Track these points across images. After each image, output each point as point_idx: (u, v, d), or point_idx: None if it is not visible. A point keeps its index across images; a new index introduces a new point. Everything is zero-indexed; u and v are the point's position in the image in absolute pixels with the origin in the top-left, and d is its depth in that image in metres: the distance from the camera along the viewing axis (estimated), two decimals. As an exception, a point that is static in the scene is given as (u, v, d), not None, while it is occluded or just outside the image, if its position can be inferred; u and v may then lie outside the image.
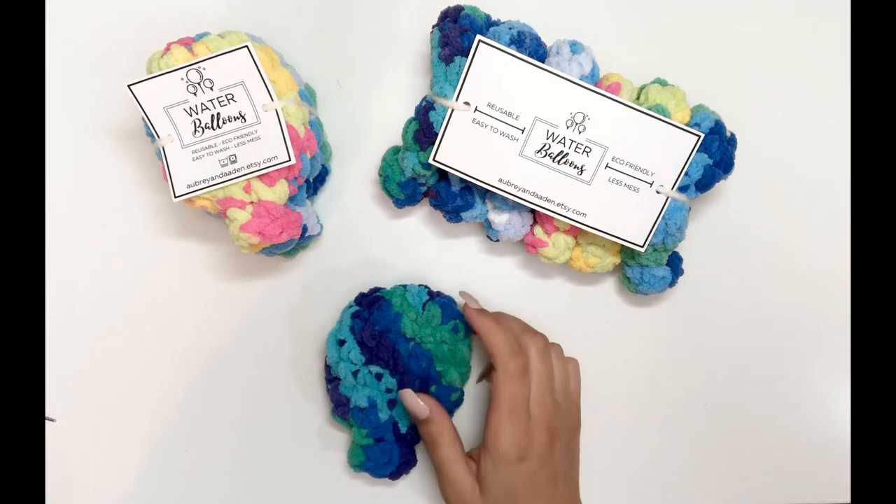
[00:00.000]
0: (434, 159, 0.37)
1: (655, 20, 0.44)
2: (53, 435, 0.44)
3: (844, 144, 0.44)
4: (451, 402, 0.42)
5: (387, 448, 0.41)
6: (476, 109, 0.36)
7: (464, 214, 0.40)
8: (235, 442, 0.44)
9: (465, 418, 0.45)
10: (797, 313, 0.45)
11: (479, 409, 0.45)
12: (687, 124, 0.38)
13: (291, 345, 0.44)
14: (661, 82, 0.39)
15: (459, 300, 0.42)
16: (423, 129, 0.37)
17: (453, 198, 0.40)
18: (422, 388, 0.41)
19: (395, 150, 0.40)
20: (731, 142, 0.39)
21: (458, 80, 0.36)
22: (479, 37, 0.35)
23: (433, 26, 0.39)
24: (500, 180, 0.37)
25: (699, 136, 0.37)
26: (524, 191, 0.37)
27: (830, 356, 0.45)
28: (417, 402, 0.39)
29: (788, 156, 0.44)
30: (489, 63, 0.35)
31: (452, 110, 0.36)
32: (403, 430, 0.41)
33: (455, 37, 0.36)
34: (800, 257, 0.45)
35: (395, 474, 0.42)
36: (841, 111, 0.44)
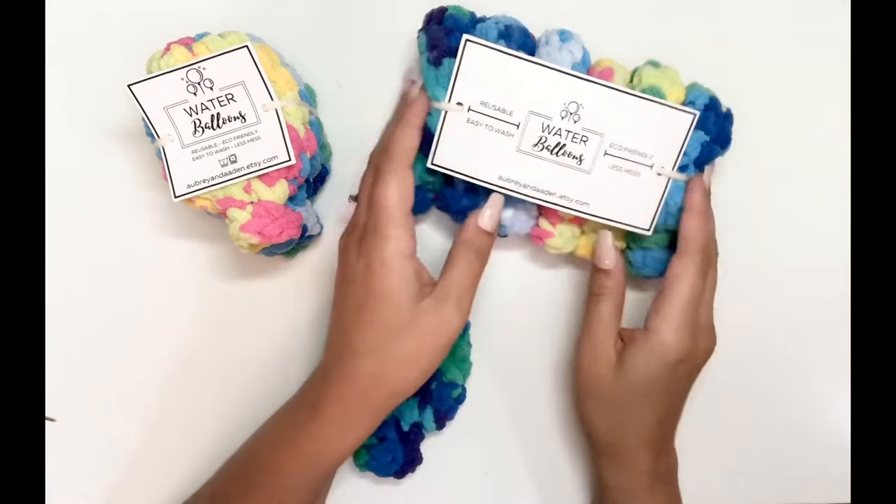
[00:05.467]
0: (432, 163, 0.37)
1: (640, 7, 0.44)
2: (53, 435, 0.44)
3: (845, 124, 0.43)
4: (452, 400, 0.42)
5: (390, 447, 0.41)
6: (469, 109, 0.36)
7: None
8: (236, 441, 0.44)
9: (467, 415, 0.45)
10: (797, 312, 0.45)
11: (482, 406, 0.45)
12: (682, 103, 0.38)
13: (292, 345, 0.44)
14: (654, 64, 0.39)
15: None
16: (425, 136, 0.37)
17: (458, 199, 0.39)
18: (423, 386, 0.41)
19: None
20: (728, 117, 0.39)
21: (449, 82, 0.36)
22: (465, 36, 0.35)
23: (419, 31, 0.38)
24: (500, 178, 0.37)
25: (695, 115, 0.37)
26: (525, 186, 0.37)
27: (830, 356, 0.45)
28: (609, 248, 0.38)
29: (787, 134, 0.44)
30: (478, 61, 0.35)
31: (446, 112, 0.36)
32: (406, 427, 0.41)
33: (441, 38, 0.36)
34: (800, 253, 0.45)
35: (400, 473, 0.42)
36: (842, 88, 0.44)
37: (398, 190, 0.35)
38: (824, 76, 0.44)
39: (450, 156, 0.37)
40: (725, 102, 0.39)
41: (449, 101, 0.36)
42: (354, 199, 0.39)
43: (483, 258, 0.37)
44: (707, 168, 0.39)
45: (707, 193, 0.38)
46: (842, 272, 0.44)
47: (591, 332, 0.39)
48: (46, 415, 0.44)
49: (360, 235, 0.36)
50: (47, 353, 0.43)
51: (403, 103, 0.38)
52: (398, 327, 0.35)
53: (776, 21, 0.44)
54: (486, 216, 0.37)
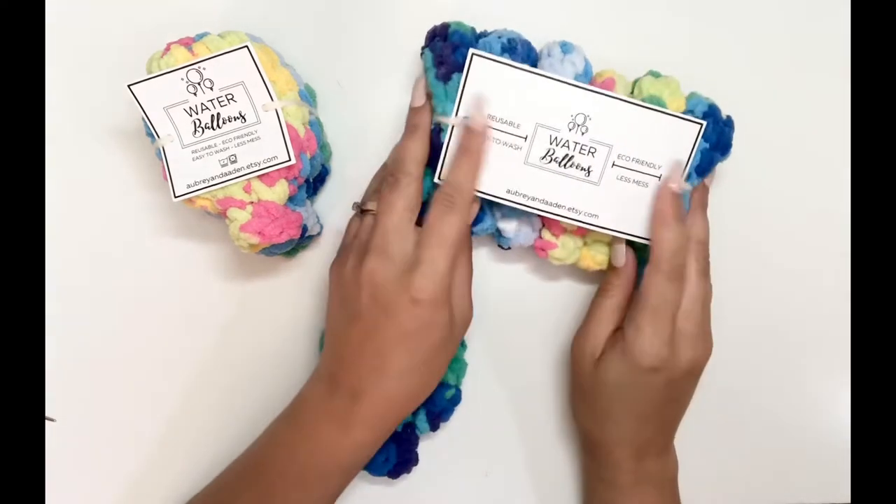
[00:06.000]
0: (440, 178, 0.37)
1: (640, 12, 0.44)
2: (53, 435, 0.44)
3: (846, 131, 0.44)
4: (446, 401, 0.42)
5: (383, 446, 0.41)
6: None
7: (475, 228, 0.40)
8: (235, 442, 0.44)
9: (467, 416, 0.45)
10: (797, 312, 0.45)
11: (481, 407, 0.45)
12: (682, 113, 0.38)
13: (291, 345, 0.44)
14: (654, 74, 0.39)
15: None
16: (436, 152, 0.37)
17: None
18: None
19: None
20: (728, 123, 0.39)
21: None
22: (471, 50, 0.35)
23: (422, 47, 0.38)
24: (509, 191, 0.37)
25: (702, 125, 0.37)
26: (533, 199, 0.37)
27: (830, 356, 0.45)
28: (622, 249, 0.39)
29: (787, 143, 0.44)
30: (484, 75, 0.35)
31: (452, 127, 0.36)
32: (399, 428, 0.41)
33: (448, 54, 0.36)
34: (800, 253, 0.45)
35: (394, 473, 0.42)
36: (841, 96, 0.44)
37: (464, 226, 0.36)
38: (825, 81, 0.44)
39: None
40: (726, 109, 0.39)
41: (456, 115, 0.36)
42: (360, 209, 0.38)
43: None
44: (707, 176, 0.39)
45: (675, 200, 0.37)
46: (842, 273, 0.44)
47: (585, 324, 0.40)
48: (46, 415, 0.44)
49: (405, 265, 0.35)
50: (47, 353, 0.43)
51: (467, 137, 0.36)
52: (441, 347, 0.36)
53: (776, 27, 0.44)
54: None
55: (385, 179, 0.38)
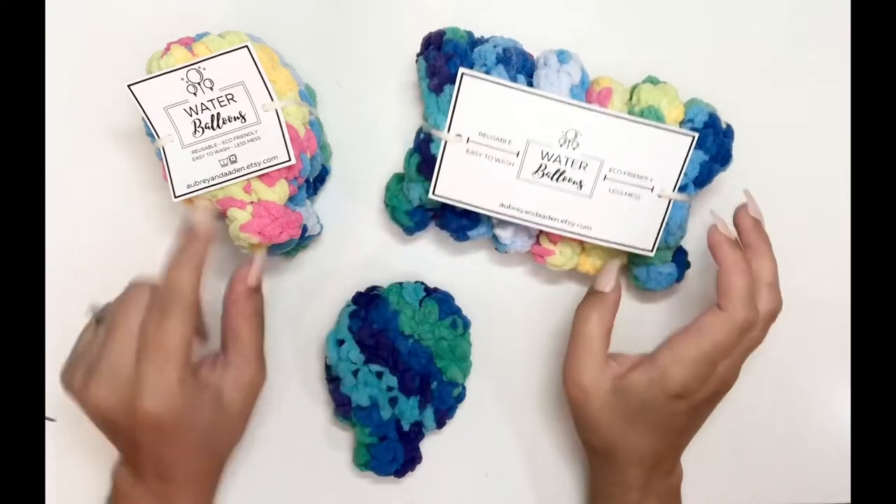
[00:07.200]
0: (434, 194, 0.37)
1: (638, 17, 0.44)
2: (53, 435, 0.44)
3: (845, 135, 0.44)
4: (453, 399, 0.42)
5: (390, 446, 0.41)
6: (469, 140, 0.36)
7: (470, 233, 0.40)
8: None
9: (467, 415, 0.45)
10: (797, 312, 0.45)
11: (482, 406, 0.45)
12: (681, 121, 0.38)
13: (292, 345, 0.44)
14: (653, 80, 0.39)
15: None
16: (426, 161, 0.37)
17: (457, 218, 0.40)
18: (423, 385, 0.41)
19: (399, 179, 0.41)
20: (728, 133, 0.39)
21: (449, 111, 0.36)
22: (461, 70, 0.35)
23: (417, 55, 0.38)
24: (502, 205, 0.37)
25: (693, 136, 0.37)
26: (527, 213, 0.37)
27: (830, 356, 0.45)
28: (612, 273, 0.37)
29: (787, 147, 0.44)
30: (475, 93, 0.36)
31: (446, 143, 0.36)
32: (406, 427, 0.41)
33: (441, 66, 0.37)
34: (800, 255, 0.45)
35: (401, 472, 0.42)
36: (841, 100, 0.44)
37: (189, 328, 0.34)
38: (825, 84, 0.44)
39: (451, 185, 0.37)
40: (725, 111, 0.39)
41: (448, 131, 0.36)
42: (97, 317, 0.36)
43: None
44: (747, 196, 0.38)
45: (732, 245, 0.35)
46: (842, 275, 0.44)
47: (576, 359, 0.37)
48: (46, 415, 0.44)
49: (130, 388, 0.33)
50: (47, 353, 0.43)
51: (189, 239, 0.35)
52: (216, 419, 0.36)
53: (776, 30, 0.44)
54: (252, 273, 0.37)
55: (149, 304, 0.35)
